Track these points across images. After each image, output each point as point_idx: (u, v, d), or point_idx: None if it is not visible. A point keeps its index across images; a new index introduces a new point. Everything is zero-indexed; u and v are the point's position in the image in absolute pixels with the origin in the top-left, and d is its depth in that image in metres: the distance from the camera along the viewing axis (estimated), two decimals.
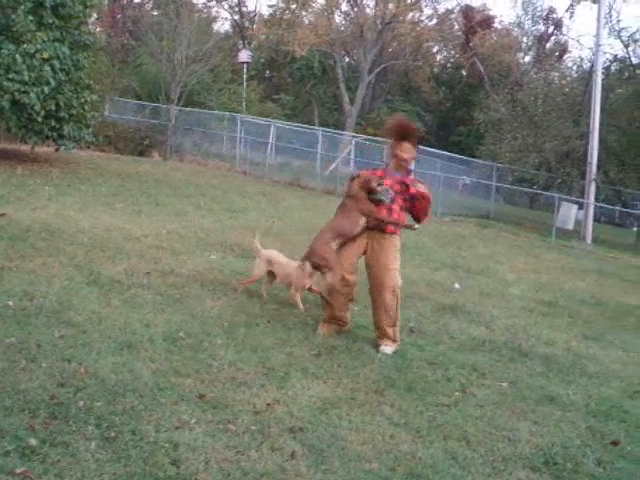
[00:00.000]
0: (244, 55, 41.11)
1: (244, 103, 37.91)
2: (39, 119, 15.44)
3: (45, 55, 14.98)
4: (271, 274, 8.24)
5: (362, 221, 6.93)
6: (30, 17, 14.94)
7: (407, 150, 7.11)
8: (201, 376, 5.38)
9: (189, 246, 10.48)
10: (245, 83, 40.45)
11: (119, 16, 47.74)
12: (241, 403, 5.03)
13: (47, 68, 15.02)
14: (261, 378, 5.57)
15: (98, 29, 39.27)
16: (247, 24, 57.85)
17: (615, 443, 5.39)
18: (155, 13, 44.73)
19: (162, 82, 28.60)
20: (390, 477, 4.35)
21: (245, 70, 40.92)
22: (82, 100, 16.63)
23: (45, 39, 15.08)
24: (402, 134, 7.12)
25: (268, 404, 5.08)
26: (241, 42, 53.61)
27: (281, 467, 4.22)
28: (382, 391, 5.75)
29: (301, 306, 7.81)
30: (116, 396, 4.74)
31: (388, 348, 6.90)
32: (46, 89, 15.04)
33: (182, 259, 9.48)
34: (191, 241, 10.86)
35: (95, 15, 33.19)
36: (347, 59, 53.57)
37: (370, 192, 6.88)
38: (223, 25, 58.58)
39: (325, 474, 4.24)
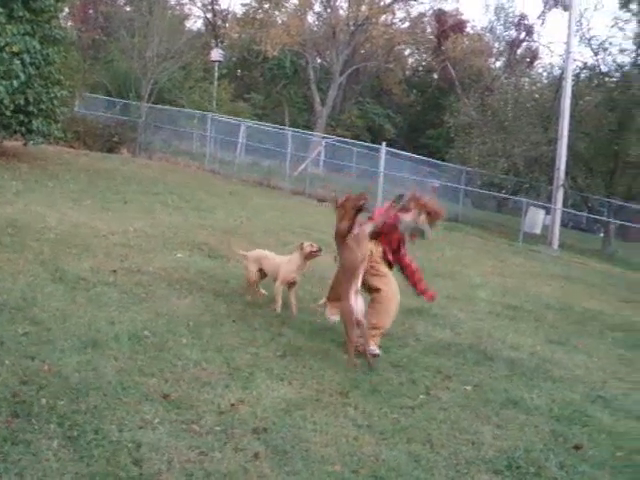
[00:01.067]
0: (216, 54, 41.02)
1: (215, 102, 37.80)
2: (7, 113, 15.27)
3: (15, 49, 14.81)
4: (261, 272, 8.25)
5: (359, 248, 6.91)
6: (0, 10, 14.77)
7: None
8: (165, 375, 5.36)
9: (156, 244, 10.41)
10: (216, 82, 40.35)
11: (91, 11, 47.51)
12: (205, 403, 5.01)
13: (17, 62, 14.86)
14: (226, 378, 5.56)
15: (69, 24, 39.04)
16: (220, 22, 57.71)
17: (578, 447, 5.44)
18: (127, 9, 44.38)
19: (133, 79, 28.40)
20: (353, 479, 4.36)
21: (216, 69, 40.84)
22: (52, 95, 16.47)
23: (15, 32, 14.91)
24: (433, 220, 7.46)
25: (232, 404, 5.07)
26: (213, 40, 53.50)
27: (244, 468, 4.22)
28: (347, 393, 5.76)
29: (279, 304, 7.86)
30: (79, 395, 4.71)
31: (378, 350, 6.96)
32: (15, 83, 14.87)
33: (149, 257, 9.42)
34: (158, 239, 10.79)
35: (66, 10, 33.06)
36: (319, 60, 53.55)
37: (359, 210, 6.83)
38: (195, 23, 58.44)
39: (288, 475, 4.24)
